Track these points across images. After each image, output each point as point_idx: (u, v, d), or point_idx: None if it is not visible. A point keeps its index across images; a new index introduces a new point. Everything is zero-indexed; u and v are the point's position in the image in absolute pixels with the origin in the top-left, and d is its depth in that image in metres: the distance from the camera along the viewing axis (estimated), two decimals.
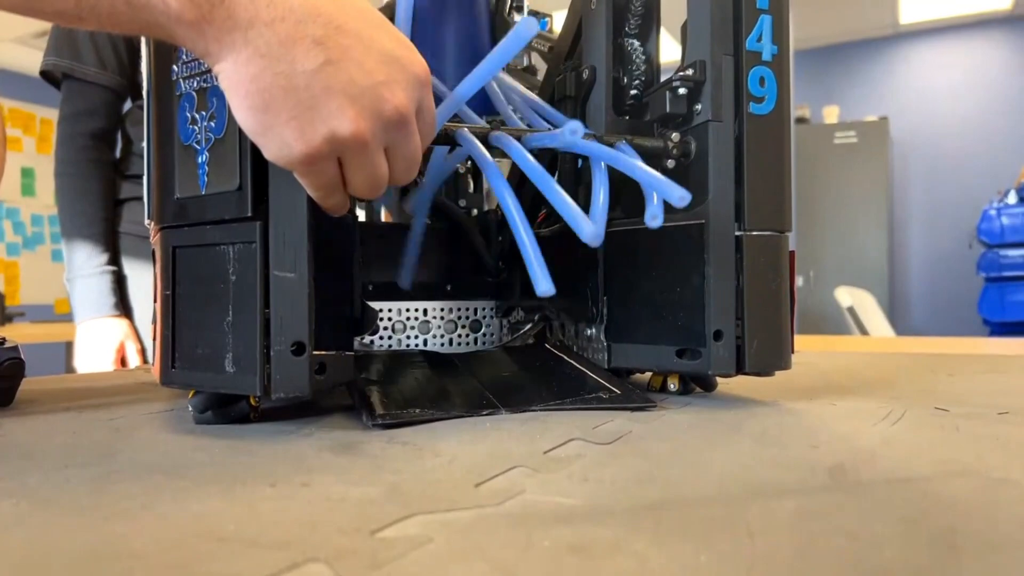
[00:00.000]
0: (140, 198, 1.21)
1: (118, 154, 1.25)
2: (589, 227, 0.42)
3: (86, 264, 1.17)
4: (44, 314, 4.48)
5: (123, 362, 1.19)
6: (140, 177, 1.20)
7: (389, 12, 0.59)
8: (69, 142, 1.17)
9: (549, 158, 0.61)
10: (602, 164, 0.47)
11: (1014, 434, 0.40)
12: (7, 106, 4.64)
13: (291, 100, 0.36)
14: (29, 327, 3.12)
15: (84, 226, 1.17)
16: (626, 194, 0.56)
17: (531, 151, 0.48)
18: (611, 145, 0.50)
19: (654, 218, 0.45)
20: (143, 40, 0.49)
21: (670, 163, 0.52)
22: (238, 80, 0.36)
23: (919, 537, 0.24)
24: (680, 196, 0.43)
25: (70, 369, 1.20)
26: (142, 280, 1.21)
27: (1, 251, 4.63)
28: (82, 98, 1.17)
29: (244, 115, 0.37)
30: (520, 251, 0.43)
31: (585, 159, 0.54)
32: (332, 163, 0.39)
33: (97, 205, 1.18)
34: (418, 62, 0.40)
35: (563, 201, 0.43)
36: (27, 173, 4.76)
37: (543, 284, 0.42)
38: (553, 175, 0.53)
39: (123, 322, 1.19)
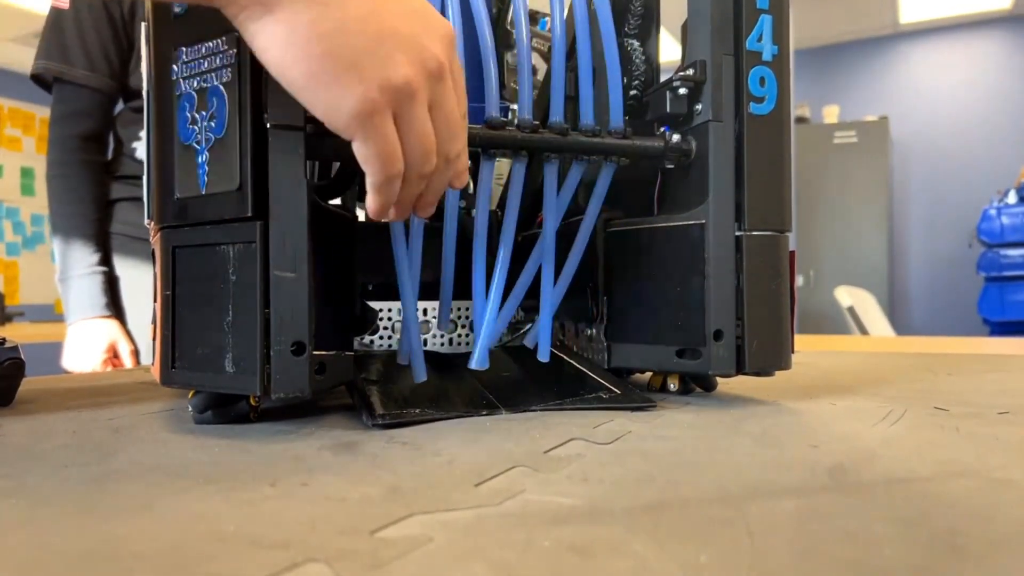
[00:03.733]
0: (131, 199, 1.21)
1: (109, 155, 1.26)
2: None
3: (78, 264, 1.17)
4: (44, 314, 4.48)
5: (114, 362, 1.19)
6: (131, 178, 1.21)
7: None
8: (60, 144, 1.17)
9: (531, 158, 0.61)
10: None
11: (1014, 434, 0.40)
12: (7, 106, 4.64)
13: (348, 47, 0.35)
14: (29, 327, 3.13)
15: (76, 227, 1.17)
16: (626, 194, 0.56)
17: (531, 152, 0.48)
18: (597, 135, 0.51)
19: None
20: (142, 40, 0.49)
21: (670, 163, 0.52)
22: (295, 26, 0.35)
23: (919, 537, 0.24)
24: None
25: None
26: (134, 281, 1.21)
27: (1, 251, 4.63)
28: (73, 101, 1.17)
29: (304, 66, 0.36)
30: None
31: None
32: (388, 119, 0.38)
33: (89, 206, 1.18)
34: (445, 21, 0.40)
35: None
36: (27, 173, 4.76)
37: (418, 374, 0.50)
38: (538, 176, 0.53)
39: (113, 323, 1.19)
